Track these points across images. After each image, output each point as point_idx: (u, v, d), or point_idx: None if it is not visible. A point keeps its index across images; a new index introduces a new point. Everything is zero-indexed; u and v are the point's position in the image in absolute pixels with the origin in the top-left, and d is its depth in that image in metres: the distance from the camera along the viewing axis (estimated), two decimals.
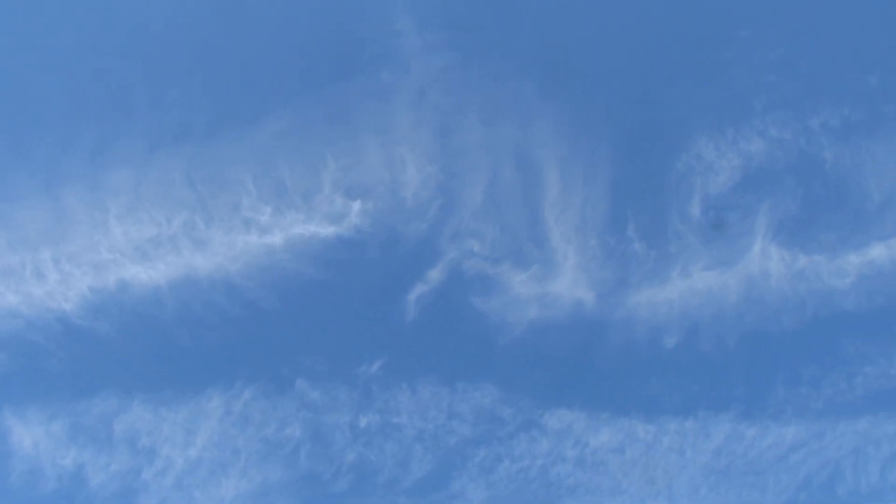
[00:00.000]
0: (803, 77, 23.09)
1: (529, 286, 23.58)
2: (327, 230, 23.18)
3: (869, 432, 22.41)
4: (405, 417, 23.58)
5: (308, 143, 23.17)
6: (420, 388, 23.68)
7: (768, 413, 23.02)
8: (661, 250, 23.47)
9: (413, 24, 23.25)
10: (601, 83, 23.57)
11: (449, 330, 23.76)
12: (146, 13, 23.49)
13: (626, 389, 23.72)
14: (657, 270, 23.49)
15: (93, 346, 22.99)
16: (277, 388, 23.43)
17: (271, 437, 23.36)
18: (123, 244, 22.84)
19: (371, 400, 23.57)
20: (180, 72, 23.19)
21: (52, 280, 22.70)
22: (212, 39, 23.37)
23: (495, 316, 23.56)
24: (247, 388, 23.33)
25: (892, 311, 22.40)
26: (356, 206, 23.30)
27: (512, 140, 23.50)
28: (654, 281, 23.49)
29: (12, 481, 22.70)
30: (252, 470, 23.21)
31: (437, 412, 23.61)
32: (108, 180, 22.77)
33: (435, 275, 23.47)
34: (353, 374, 23.56)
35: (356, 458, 23.39)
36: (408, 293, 23.42)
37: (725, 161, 23.20)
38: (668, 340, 23.40)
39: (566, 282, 23.54)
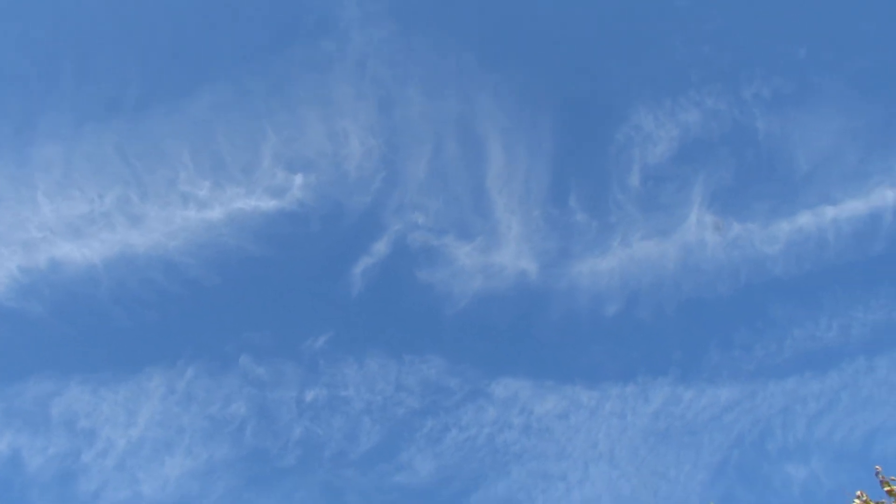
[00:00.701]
0: (737, 48, 23.67)
1: (474, 257, 23.79)
2: (269, 204, 22.82)
3: (796, 391, 23.56)
4: (353, 390, 23.65)
5: (246, 116, 22.67)
6: (367, 361, 23.75)
7: (704, 376, 23.94)
8: (603, 220, 23.95)
9: None
10: (542, 56, 23.71)
11: (395, 302, 23.83)
12: None
13: (570, 357, 24.32)
14: (598, 240, 23.98)
15: (25, 328, 22.24)
16: (221, 366, 23.16)
17: (216, 414, 23.13)
18: (54, 221, 22.01)
19: (318, 374, 23.55)
20: (109, 41, 22.28)
21: None
22: (142, 6, 22.50)
23: (441, 287, 23.73)
24: (189, 365, 22.98)
25: (819, 277, 23.45)
26: (298, 179, 22.98)
27: (455, 112, 23.50)
28: (595, 251, 23.99)
29: None
30: (197, 448, 22.96)
31: (384, 384, 23.75)
32: (34, 155, 21.83)
33: (380, 248, 23.44)
34: (298, 349, 23.46)
35: (303, 432, 23.39)
36: (353, 266, 23.35)
37: (664, 132, 23.68)
38: (609, 308, 24.02)
39: (510, 252, 23.83)
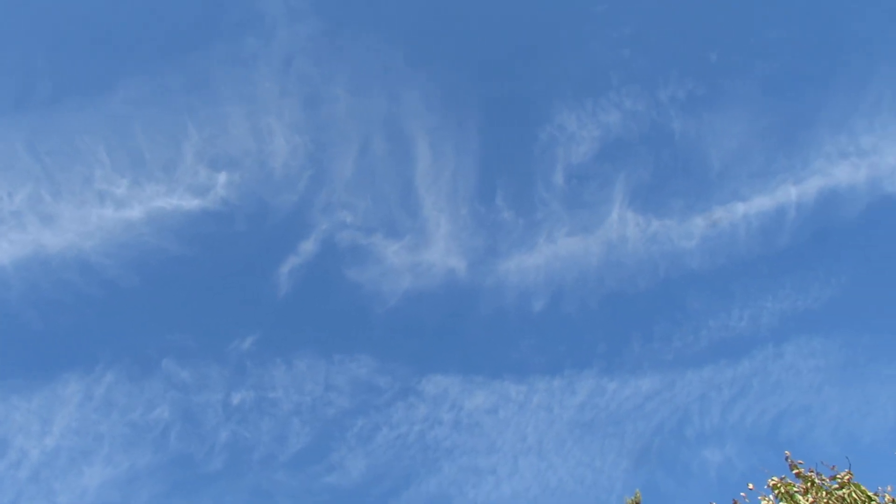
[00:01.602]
0: (653, 52, 24.69)
1: (403, 256, 23.91)
2: (191, 203, 22.29)
3: (712, 378, 24.72)
4: (281, 392, 23.36)
5: (167, 112, 22.08)
6: (296, 362, 23.51)
7: (627, 368, 24.81)
8: (528, 218, 24.50)
9: None
10: (469, 56, 24.10)
11: (323, 302, 23.71)
12: None
13: (498, 352, 24.75)
14: (525, 237, 24.52)
15: None
16: (143, 370, 22.46)
17: (138, 420, 22.40)
18: None
19: (244, 376, 23.14)
20: (18, 32, 21.28)
21: None
22: None
23: (370, 286, 23.74)
24: (108, 370, 22.17)
25: (731, 269, 24.71)
26: (222, 177, 22.55)
27: (382, 111, 23.58)
28: (521, 247, 24.52)
29: None
30: (117, 456, 22.17)
31: (313, 385, 23.56)
32: None
33: (307, 247, 23.26)
34: (224, 351, 23.00)
35: (230, 436, 22.94)
36: (280, 266, 23.08)
37: (586, 132, 24.44)
38: (535, 304, 24.58)
39: (439, 250, 24.07)
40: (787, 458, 8.04)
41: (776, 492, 7.80)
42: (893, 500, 7.19)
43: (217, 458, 22.72)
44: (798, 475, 7.85)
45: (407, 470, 23.67)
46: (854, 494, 7.31)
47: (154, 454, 22.44)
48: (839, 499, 7.31)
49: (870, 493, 7.31)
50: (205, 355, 22.85)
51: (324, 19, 22.79)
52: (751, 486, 8.00)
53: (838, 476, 7.62)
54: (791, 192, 24.00)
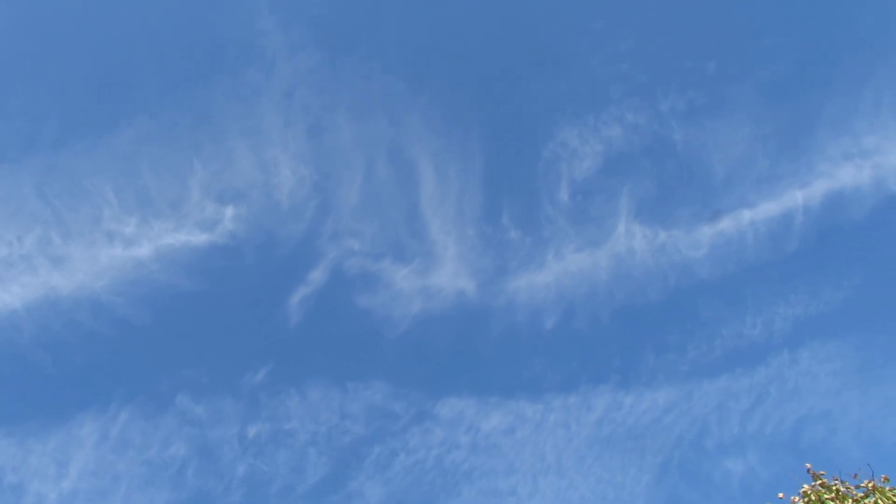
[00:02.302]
0: (651, 66, 24.83)
1: (412, 280, 23.92)
2: (199, 238, 22.44)
3: (729, 388, 24.44)
4: (296, 422, 23.26)
5: (173, 149, 22.35)
6: (310, 392, 23.43)
7: (642, 380, 24.59)
8: (536, 236, 24.50)
9: (277, 22, 22.93)
10: (468, 77, 24.31)
11: (335, 330, 23.70)
12: None
13: (512, 372, 24.59)
14: (533, 255, 24.50)
15: None
16: (157, 407, 22.44)
17: (154, 458, 22.33)
18: None
19: (259, 408, 23.07)
20: (23, 76, 21.67)
21: None
22: (58, 38, 22.00)
23: (380, 312, 23.73)
24: (123, 409, 22.17)
25: (741, 276, 24.56)
26: (229, 211, 22.71)
27: (385, 136, 23.76)
28: (530, 265, 24.48)
29: None
30: (135, 495, 22.07)
31: (328, 414, 23.45)
32: None
33: (316, 276, 23.32)
34: (237, 385, 22.96)
35: (247, 469, 22.82)
36: (290, 296, 23.12)
37: (588, 147, 24.52)
38: (547, 321, 24.48)
39: (448, 273, 24.07)
40: (808, 470, 7.94)
41: (806, 500, 7.68)
42: None
43: (235, 493, 22.61)
44: (822, 486, 7.74)
45: (426, 495, 23.45)
46: (882, 501, 7.19)
47: (172, 491, 22.35)
48: None
49: None
50: (218, 389, 22.85)
51: (323, 49, 23.12)
52: (781, 495, 7.88)
53: (863, 483, 7.51)
54: (797, 197, 23.95)
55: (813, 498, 7.62)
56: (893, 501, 7.13)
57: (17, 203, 21.21)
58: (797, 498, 7.65)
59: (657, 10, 25.05)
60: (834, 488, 7.58)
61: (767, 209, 24.11)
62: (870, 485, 7.42)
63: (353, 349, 23.87)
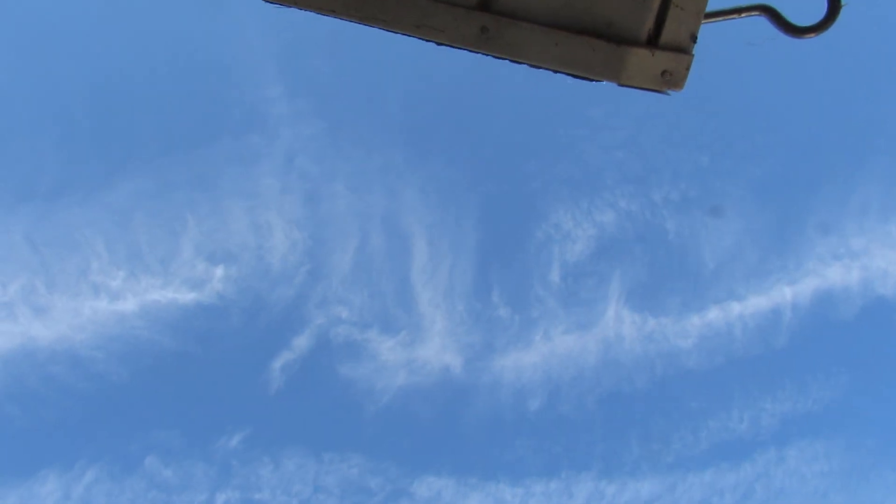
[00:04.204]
0: (646, 155, 25.44)
1: (397, 352, 23.64)
2: (187, 297, 22.20)
3: (714, 483, 23.93)
4: (267, 493, 22.45)
5: (168, 206, 22.39)
6: (284, 461, 22.73)
7: (625, 470, 24.06)
8: (524, 315, 24.43)
9: (283, 90, 23.46)
10: (466, 156, 24.78)
11: (315, 399, 23.23)
12: None
13: (493, 453, 24.03)
14: (521, 334, 24.36)
15: None
16: (125, 468, 21.63)
17: None
18: None
19: (230, 476, 22.30)
20: (25, 123, 21.88)
21: None
22: (64, 89, 22.34)
23: (363, 383, 23.33)
24: (89, 468, 21.35)
25: (729, 368, 24.45)
26: (219, 271, 22.59)
27: (380, 207, 23.96)
28: (518, 344, 24.31)
29: None
30: None
31: (301, 485, 22.69)
32: None
33: (301, 342, 23.02)
34: (210, 449, 22.26)
35: None
36: (272, 361, 22.74)
37: (581, 231, 24.80)
38: (531, 403, 24.11)
39: (434, 347, 23.84)
40: None
41: None
42: None
43: None
44: None
45: None
46: None
47: None
48: None
49: None
50: (190, 453, 22.13)
51: (326, 119, 23.57)
52: None
53: None
54: (786, 293, 24.14)
55: None
56: None
57: (6, 250, 21.05)
58: None
59: (654, 102, 25.88)
60: None
61: (756, 303, 24.26)
62: None
63: (332, 419, 23.40)
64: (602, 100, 25.61)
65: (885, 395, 24.12)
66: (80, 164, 22.05)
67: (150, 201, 22.15)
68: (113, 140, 22.50)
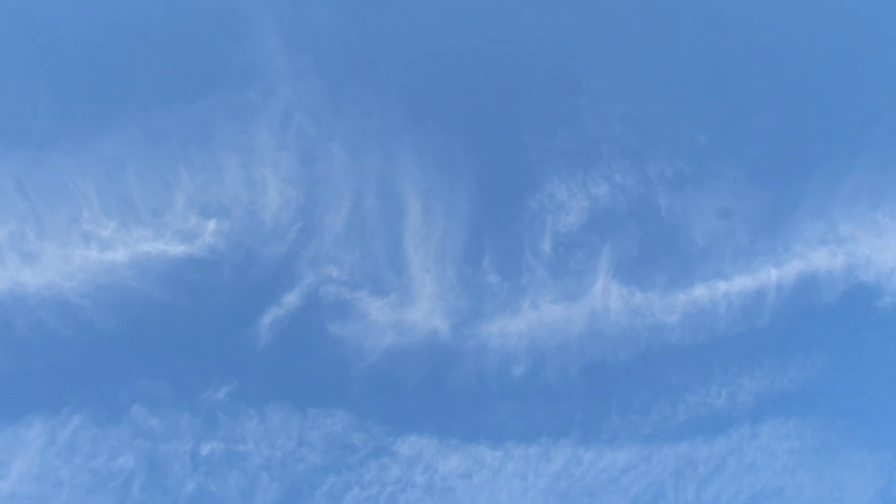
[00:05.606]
0: (644, 130, 25.36)
1: (386, 313, 23.81)
2: (178, 249, 22.12)
3: (688, 454, 24.65)
4: (252, 445, 22.83)
5: (161, 157, 22.10)
6: (270, 415, 23.06)
7: (604, 438, 24.67)
8: (514, 283, 24.62)
9: (283, 45, 23.02)
10: (464, 122, 24.55)
11: (303, 355, 23.41)
12: None
13: (476, 416, 24.48)
14: (509, 302, 24.59)
15: None
16: (111, 415, 21.85)
17: (101, 467, 21.69)
18: None
19: (216, 427, 22.61)
20: (17, 68, 21.34)
21: None
22: (57, 37, 21.74)
23: (351, 342, 23.55)
24: (75, 414, 21.55)
25: (711, 346, 24.92)
26: (211, 225, 22.47)
27: (375, 169, 23.81)
28: (505, 311, 24.55)
29: None
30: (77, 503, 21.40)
31: (286, 439, 23.08)
32: None
33: (291, 299, 23.09)
34: (197, 400, 22.51)
35: (196, 488, 22.27)
36: (261, 317, 22.84)
37: (575, 202, 24.85)
38: (515, 369, 24.50)
39: (423, 310, 24.02)
40: None
41: None
42: None
43: None
44: None
45: None
46: None
47: (115, 503, 21.72)
48: None
49: None
50: (176, 404, 22.38)
51: (325, 78, 23.21)
52: None
53: None
54: (772, 274, 24.50)
55: None
56: None
57: None
58: None
59: (655, 77, 25.69)
60: None
61: (742, 283, 24.63)
62: None
63: (319, 376, 23.63)
64: (603, 73, 25.39)
65: (858, 379, 24.81)
66: (72, 111, 21.64)
67: (144, 151, 21.87)
68: (107, 87, 22.05)
